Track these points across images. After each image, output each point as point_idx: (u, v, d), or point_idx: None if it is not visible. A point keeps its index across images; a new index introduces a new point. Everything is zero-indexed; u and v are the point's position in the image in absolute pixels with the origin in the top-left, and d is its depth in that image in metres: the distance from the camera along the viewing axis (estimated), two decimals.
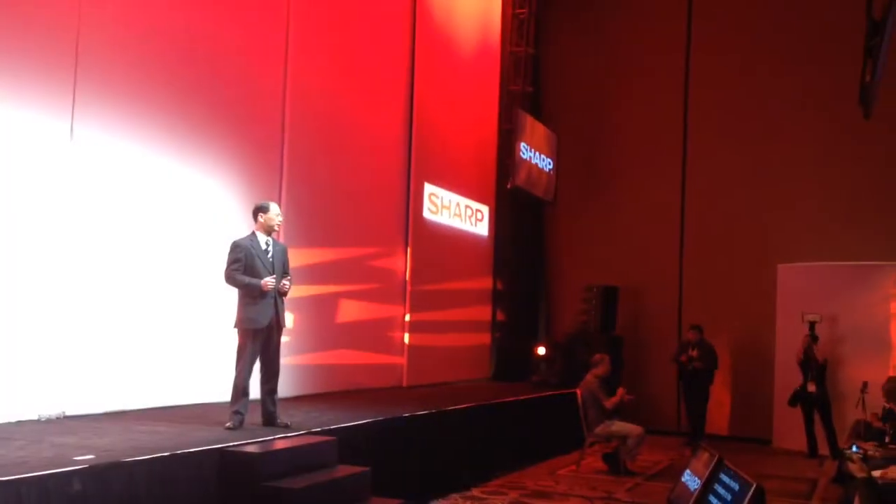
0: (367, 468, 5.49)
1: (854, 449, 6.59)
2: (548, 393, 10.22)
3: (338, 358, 8.68)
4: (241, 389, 5.52)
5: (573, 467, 8.62)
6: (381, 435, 6.42)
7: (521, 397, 9.50)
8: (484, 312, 11.93)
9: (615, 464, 8.49)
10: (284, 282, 5.69)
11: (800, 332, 10.25)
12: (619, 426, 8.52)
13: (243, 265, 5.54)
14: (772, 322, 11.11)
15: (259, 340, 5.57)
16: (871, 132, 10.11)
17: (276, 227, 5.78)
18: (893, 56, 7.89)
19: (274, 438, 5.27)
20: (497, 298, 12.15)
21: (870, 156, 10.86)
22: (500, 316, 12.17)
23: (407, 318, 9.83)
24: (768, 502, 7.30)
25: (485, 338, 11.93)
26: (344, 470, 5.39)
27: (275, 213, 5.77)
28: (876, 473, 5.76)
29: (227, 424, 5.40)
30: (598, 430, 8.51)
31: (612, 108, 12.67)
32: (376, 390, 9.02)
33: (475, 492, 7.26)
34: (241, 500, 4.64)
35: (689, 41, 12.23)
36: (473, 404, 8.28)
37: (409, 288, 9.87)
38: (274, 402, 5.73)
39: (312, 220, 8.27)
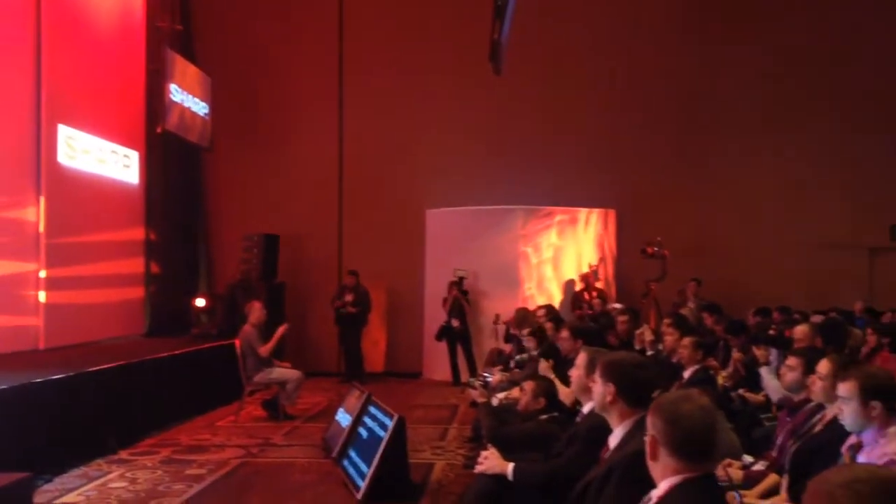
0: None
1: (486, 376, 7.35)
2: (207, 345, 9.94)
3: None
4: None
5: (233, 417, 8.53)
6: (5, 405, 5.76)
7: (177, 352, 9.11)
8: (136, 265, 11.17)
9: (275, 410, 8.58)
10: None
11: (446, 273, 11.15)
12: (278, 372, 8.60)
13: None
14: (422, 264, 11.94)
15: None
16: (503, 87, 11.12)
17: None
18: (519, 16, 8.73)
19: None
20: (150, 250, 11.44)
21: (503, 108, 11.97)
22: (154, 268, 11.49)
23: (42, 274, 8.86)
24: (417, 429, 7.96)
25: (138, 291, 11.21)
26: None
27: None
28: (501, 395, 6.51)
29: None
30: (258, 378, 8.51)
31: (268, 51, 12.40)
32: (6, 356, 8.04)
33: (123, 454, 6.86)
34: None
35: None
36: (121, 363, 7.77)
37: (43, 241, 8.88)
38: None
39: None
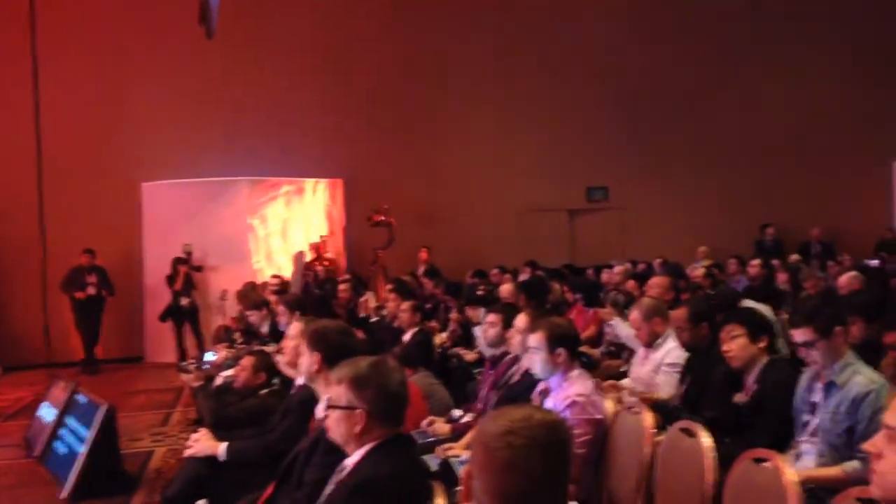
0: None
1: (205, 357, 7.07)
2: None
3: None
4: None
5: None
6: None
7: None
8: None
9: None
10: None
11: (167, 250, 10.51)
12: None
13: None
14: (139, 241, 11.15)
15: None
16: (221, 52, 10.60)
17: None
18: None
19: None
20: None
21: (222, 74, 11.40)
22: None
23: None
24: (137, 416, 7.51)
25: None
26: None
27: None
28: (229, 373, 6.29)
29: None
30: None
31: None
32: None
33: None
34: None
35: None
36: None
37: None
38: None
39: None
